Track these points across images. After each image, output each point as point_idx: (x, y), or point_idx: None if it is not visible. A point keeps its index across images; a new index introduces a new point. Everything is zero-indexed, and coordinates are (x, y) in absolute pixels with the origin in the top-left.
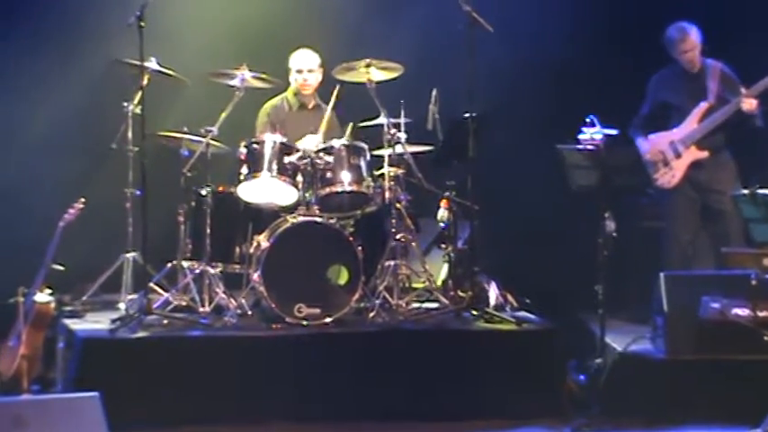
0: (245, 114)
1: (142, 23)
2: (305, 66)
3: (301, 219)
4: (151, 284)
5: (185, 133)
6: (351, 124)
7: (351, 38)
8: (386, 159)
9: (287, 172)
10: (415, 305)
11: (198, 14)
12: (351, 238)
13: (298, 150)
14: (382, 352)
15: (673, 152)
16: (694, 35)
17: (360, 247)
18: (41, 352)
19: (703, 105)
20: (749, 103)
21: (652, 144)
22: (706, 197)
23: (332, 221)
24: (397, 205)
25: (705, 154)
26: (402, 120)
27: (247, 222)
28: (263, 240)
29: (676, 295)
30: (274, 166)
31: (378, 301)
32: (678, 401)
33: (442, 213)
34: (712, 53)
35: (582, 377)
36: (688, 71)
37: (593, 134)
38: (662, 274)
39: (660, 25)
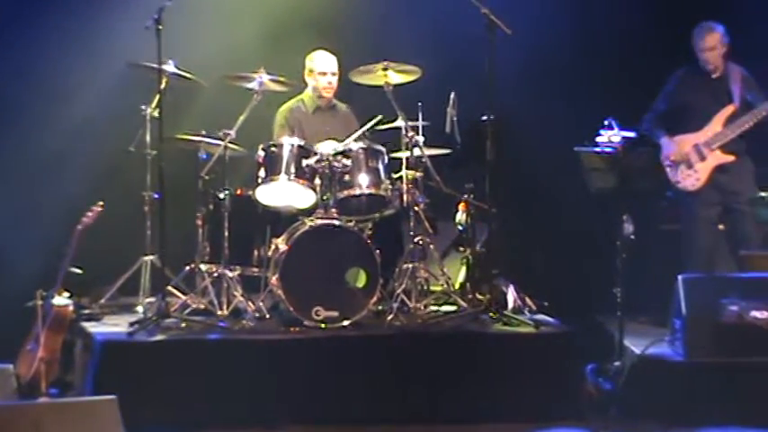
0: (262, 117)
1: (160, 26)
2: (329, 68)
3: (319, 222)
4: (169, 287)
5: (203, 136)
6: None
7: (368, 40)
8: (404, 162)
9: (305, 175)
10: (433, 308)
11: (215, 17)
12: (369, 241)
13: (316, 153)
14: (400, 355)
15: (697, 155)
16: (715, 35)
17: (378, 250)
18: (60, 355)
19: (728, 108)
20: None
21: (677, 145)
22: (727, 198)
23: (350, 224)
24: (416, 208)
25: (731, 158)
26: (420, 123)
27: (265, 225)
28: (281, 243)
29: (695, 298)
30: (292, 169)
31: (396, 304)
32: (696, 404)
33: (460, 216)
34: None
35: (600, 380)
36: (710, 72)
37: (611, 137)
38: (680, 277)
39: (680, 27)
